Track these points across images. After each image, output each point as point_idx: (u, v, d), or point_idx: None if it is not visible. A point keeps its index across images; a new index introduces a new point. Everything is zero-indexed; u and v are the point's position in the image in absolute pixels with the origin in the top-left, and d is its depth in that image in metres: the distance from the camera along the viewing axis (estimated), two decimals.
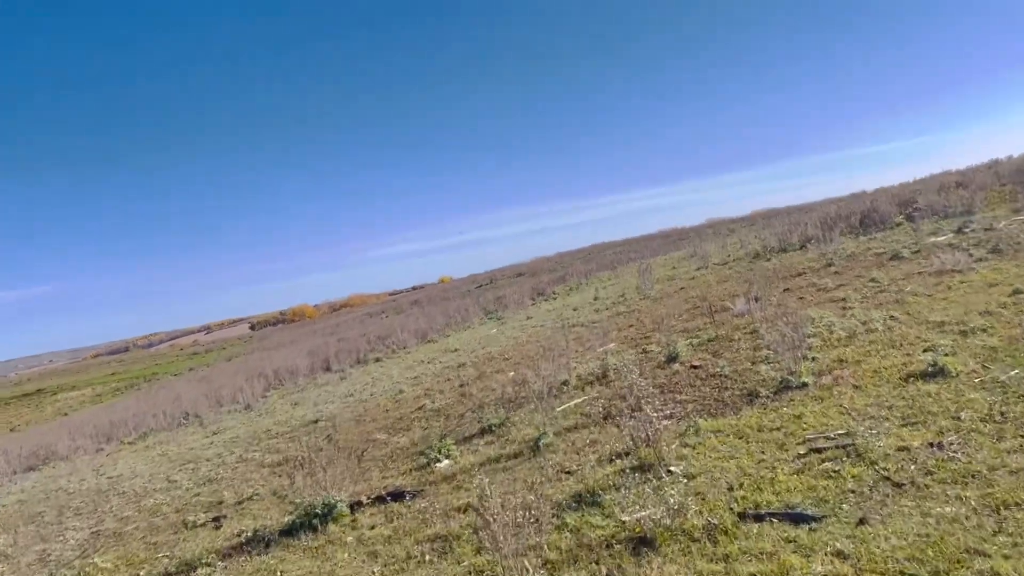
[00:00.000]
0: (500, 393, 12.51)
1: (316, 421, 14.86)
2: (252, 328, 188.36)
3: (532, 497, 6.15)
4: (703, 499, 6.34)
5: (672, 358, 11.83)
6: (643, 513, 6.05)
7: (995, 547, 4.72)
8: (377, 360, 25.73)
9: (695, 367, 11.20)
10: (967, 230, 19.42)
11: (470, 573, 6.08)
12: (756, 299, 15.96)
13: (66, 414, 56.41)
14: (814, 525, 5.49)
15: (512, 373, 14.67)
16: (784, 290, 16.68)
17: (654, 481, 6.89)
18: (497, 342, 20.54)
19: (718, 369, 10.57)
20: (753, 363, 10.54)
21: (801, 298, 15.17)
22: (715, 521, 5.84)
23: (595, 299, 25.76)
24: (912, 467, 6.09)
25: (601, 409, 10.10)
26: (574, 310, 24.09)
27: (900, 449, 6.48)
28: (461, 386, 14.63)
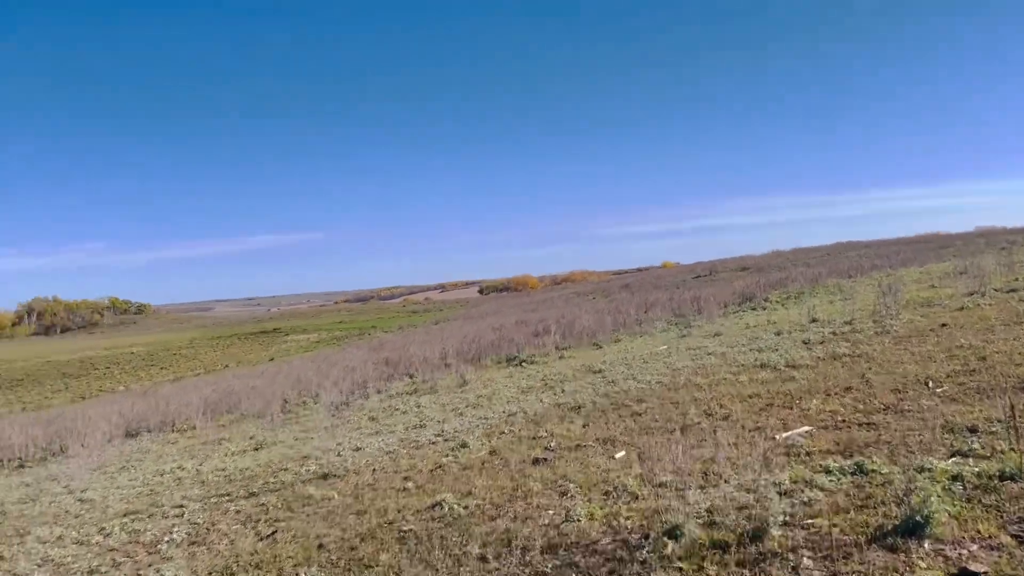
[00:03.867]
0: (561, 518, 6.57)
1: (325, 476, 9.70)
2: (481, 291, 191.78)
3: None
4: None
5: (914, 526, 5.20)
6: None
7: None
8: (520, 364, 20.37)
9: None
10: None
11: None
12: None
13: (272, 359, 57.18)
14: None
15: (621, 454, 8.57)
16: None
17: None
18: (651, 371, 14.31)
19: None
20: None
21: None
22: None
23: (811, 320, 18.48)
24: None
25: None
26: (776, 334, 17.08)
27: None
28: (536, 462, 8.76)
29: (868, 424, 8.33)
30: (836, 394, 9.99)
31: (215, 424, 18.15)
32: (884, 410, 8.84)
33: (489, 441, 10.26)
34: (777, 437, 8.24)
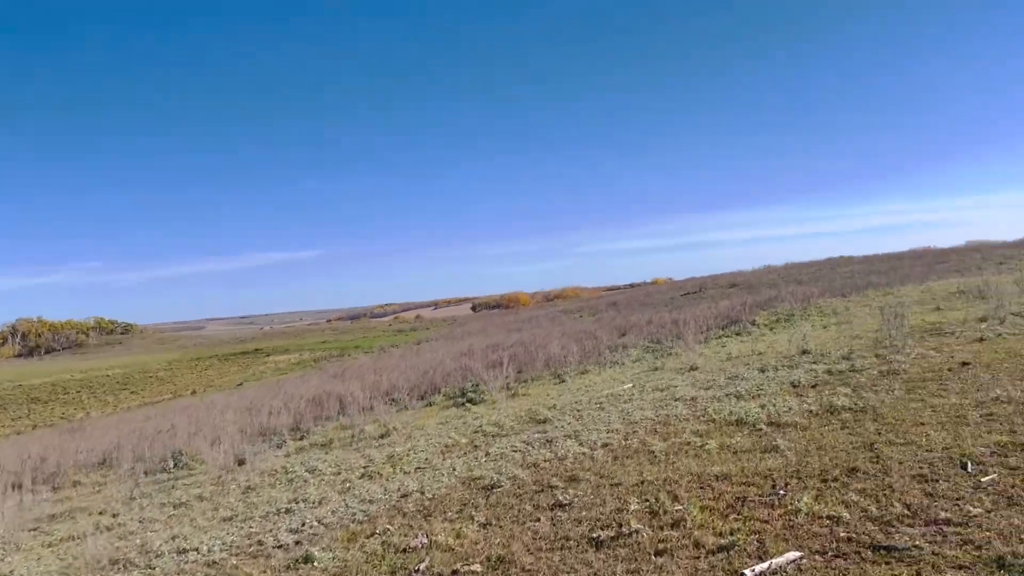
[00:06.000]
0: None
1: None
2: (473, 308, 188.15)
3: None
4: None
5: None
6: None
7: None
8: (466, 403, 17.29)
9: None
10: None
11: None
12: None
13: (241, 384, 54.01)
14: None
15: None
16: None
17: None
18: (602, 424, 11.24)
19: None
20: None
21: None
22: None
23: (802, 352, 15.47)
24: None
25: None
26: (761, 371, 14.07)
27: None
28: None
29: (888, 551, 5.28)
30: (836, 480, 6.92)
31: (95, 481, 15.06)
32: (910, 517, 5.80)
33: (345, 551, 7.14)
34: (748, 574, 5.18)
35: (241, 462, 13.72)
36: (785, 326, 22.57)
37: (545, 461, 9.55)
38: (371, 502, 8.97)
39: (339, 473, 11.14)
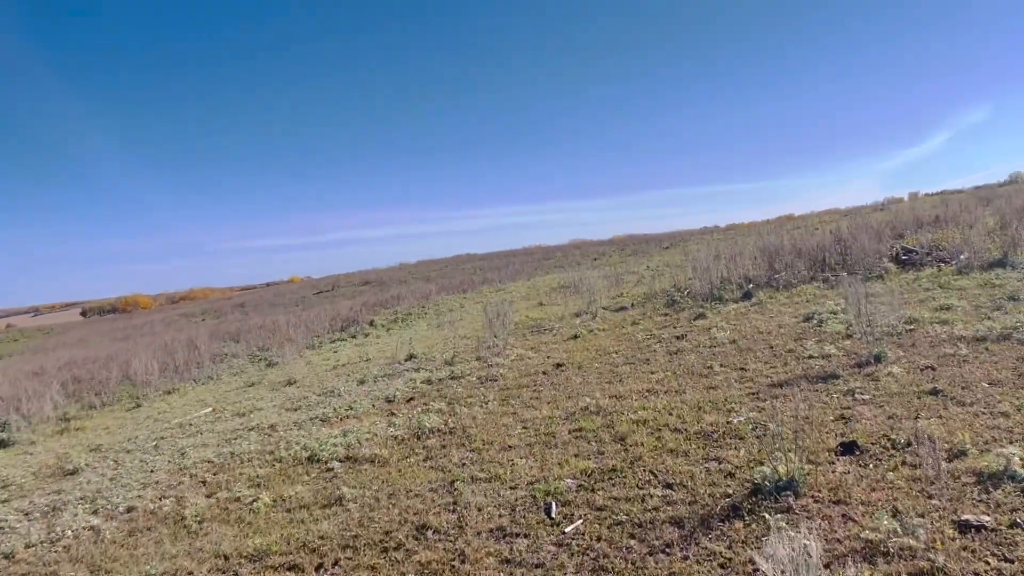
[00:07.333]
0: None
1: None
2: (84, 314, 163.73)
3: None
4: None
5: None
6: None
7: None
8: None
9: None
10: None
11: None
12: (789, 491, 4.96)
13: None
14: None
15: None
16: (839, 418, 5.74)
17: None
18: (144, 472, 8.48)
19: None
20: None
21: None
22: None
23: (408, 357, 14.11)
24: None
25: None
26: (360, 383, 12.35)
27: None
28: None
29: None
30: (399, 548, 5.18)
31: None
32: None
33: None
34: None
35: None
36: (402, 326, 21.42)
37: (26, 548, 6.53)
38: None
39: None
